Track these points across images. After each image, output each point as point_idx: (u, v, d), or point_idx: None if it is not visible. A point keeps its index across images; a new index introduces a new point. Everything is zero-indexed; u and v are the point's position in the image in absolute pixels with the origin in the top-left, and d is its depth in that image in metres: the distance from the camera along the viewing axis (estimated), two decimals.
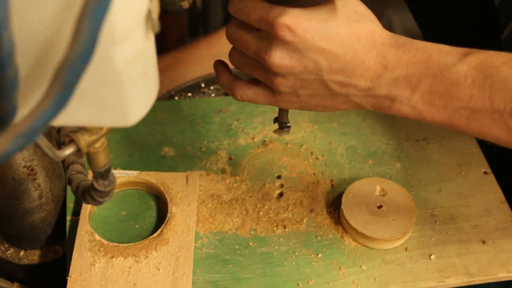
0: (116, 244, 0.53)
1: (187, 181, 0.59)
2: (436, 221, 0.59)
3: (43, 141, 0.32)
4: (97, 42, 0.25)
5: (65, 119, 0.29)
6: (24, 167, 0.52)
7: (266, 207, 0.59)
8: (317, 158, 0.64)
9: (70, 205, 0.57)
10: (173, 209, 0.56)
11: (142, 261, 0.52)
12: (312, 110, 0.45)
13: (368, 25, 0.41)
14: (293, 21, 0.40)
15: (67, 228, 0.56)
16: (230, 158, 0.63)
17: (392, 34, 0.43)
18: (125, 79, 0.29)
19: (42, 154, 0.53)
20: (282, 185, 0.61)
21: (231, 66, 0.47)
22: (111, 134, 0.36)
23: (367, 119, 0.69)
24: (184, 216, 0.56)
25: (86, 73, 0.25)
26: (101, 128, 0.35)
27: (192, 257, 0.53)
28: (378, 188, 0.59)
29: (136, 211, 0.58)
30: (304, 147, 0.65)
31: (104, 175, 0.40)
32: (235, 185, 0.61)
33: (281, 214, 0.58)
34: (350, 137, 0.67)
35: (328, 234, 0.57)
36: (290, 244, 0.56)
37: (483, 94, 0.39)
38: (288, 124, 0.51)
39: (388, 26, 1.05)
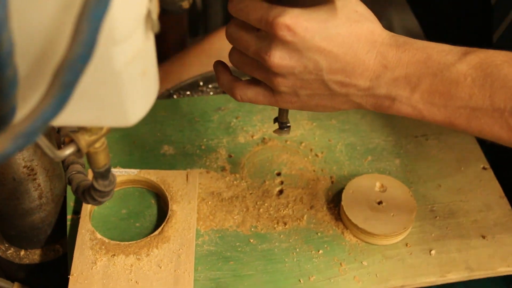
0: (117, 242, 0.53)
1: (187, 179, 0.59)
2: (436, 217, 0.59)
3: (43, 141, 0.32)
4: (97, 42, 0.25)
5: (65, 119, 0.29)
6: (24, 167, 0.52)
7: (266, 204, 0.59)
8: (316, 155, 0.64)
9: (70, 204, 0.57)
10: (173, 207, 0.56)
11: (143, 259, 0.52)
12: (312, 110, 0.45)
13: (368, 25, 0.41)
14: (293, 21, 0.40)
15: (68, 227, 0.56)
16: (230, 156, 0.64)
17: (392, 34, 0.43)
18: (125, 79, 0.29)
19: (42, 154, 0.53)
20: (282, 182, 0.61)
21: (231, 66, 0.47)
22: (110, 133, 0.36)
23: (366, 116, 0.69)
24: (185, 213, 0.56)
25: (85, 73, 0.25)
26: (101, 128, 0.35)
27: (193, 254, 0.53)
28: (378, 184, 0.59)
29: (137, 209, 0.58)
30: (303, 144, 0.65)
31: (104, 175, 0.40)
32: (235, 182, 0.61)
33: (282, 211, 0.59)
34: (349, 134, 0.67)
35: (328, 230, 0.57)
36: (291, 240, 0.56)
37: (483, 93, 0.39)
38: (288, 124, 0.51)
39: (388, 26, 1.05)
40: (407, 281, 0.54)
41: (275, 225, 0.57)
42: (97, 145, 0.36)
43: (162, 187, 0.58)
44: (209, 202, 0.59)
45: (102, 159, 0.38)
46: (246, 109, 0.68)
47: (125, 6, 0.27)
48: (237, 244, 0.56)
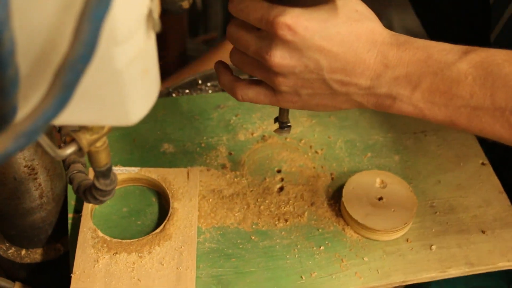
0: (119, 240, 0.53)
1: (188, 177, 0.59)
2: (436, 212, 0.59)
3: (44, 140, 0.32)
4: (98, 42, 0.25)
5: (66, 118, 0.29)
6: (25, 166, 0.52)
7: (267, 201, 0.59)
8: (316, 152, 0.64)
9: (71, 202, 0.57)
10: (175, 204, 0.56)
11: (145, 256, 0.52)
12: (313, 110, 0.45)
13: (368, 24, 0.41)
14: (294, 20, 0.40)
15: (69, 225, 0.56)
16: (230, 154, 0.64)
17: (393, 33, 0.43)
18: (126, 79, 0.29)
19: (43, 154, 0.53)
20: (282, 179, 0.62)
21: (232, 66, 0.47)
22: (110, 132, 0.36)
23: (365, 113, 0.69)
24: (186, 211, 0.56)
25: (87, 72, 0.25)
26: (102, 127, 0.35)
27: (195, 251, 0.53)
28: (378, 180, 0.59)
29: (138, 207, 0.58)
30: (303, 141, 0.66)
31: (105, 174, 0.40)
32: (235, 180, 0.61)
33: (282, 208, 0.59)
34: (349, 131, 0.67)
35: (329, 226, 0.57)
36: (292, 237, 0.56)
37: (484, 92, 0.39)
38: (289, 124, 0.51)
39: (388, 25, 1.05)
40: (408, 277, 0.54)
41: (276, 222, 0.57)
42: (98, 144, 0.36)
43: (163, 185, 0.58)
44: (210, 200, 0.59)
45: (103, 158, 0.38)
46: (246, 107, 0.68)
47: (126, 5, 0.27)
48: (239, 241, 0.56)
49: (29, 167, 0.52)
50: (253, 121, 0.67)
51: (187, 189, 0.58)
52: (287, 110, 0.50)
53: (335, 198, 0.60)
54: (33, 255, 0.60)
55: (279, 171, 0.62)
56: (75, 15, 0.25)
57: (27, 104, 0.29)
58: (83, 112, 0.30)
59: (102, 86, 0.29)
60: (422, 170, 0.63)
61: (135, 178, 0.59)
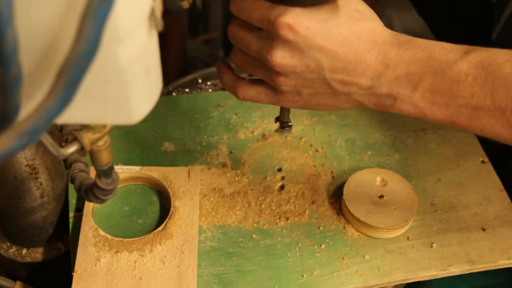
0: (121, 239, 0.53)
1: (189, 176, 0.59)
2: (436, 210, 0.59)
3: (46, 139, 0.32)
4: (101, 40, 0.25)
5: (69, 116, 0.29)
6: (26, 165, 0.52)
7: (268, 199, 0.59)
8: (316, 151, 0.65)
9: (72, 201, 0.57)
10: (176, 203, 0.56)
11: (147, 255, 0.52)
12: (314, 109, 0.45)
13: (369, 23, 0.42)
14: (295, 20, 0.40)
15: (70, 224, 0.56)
16: (231, 152, 0.64)
17: (394, 32, 0.43)
18: (128, 77, 0.29)
19: (44, 153, 0.53)
20: (283, 178, 0.62)
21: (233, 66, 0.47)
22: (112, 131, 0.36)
23: (365, 111, 0.69)
24: (187, 210, 0.56)
25: (89, 71, 0.26)
26: (104, 126, 0.35)
27: (196, 250, 0.53)
28: (378, 178, 0.59)
29: (139, 206, 0.58)
30: (303, 139, 0.66)
31: (107, 173, 0.40)
32: (236, 178, 0.61)
33: (283, 206, 0.59)
34: (349, 129, 0.67)
35: (330, 225, 0.57)
36: (293, 235, 0.56)
37: (484, 92, 0.39)
38: (290, 124, 0.51)
39: (389, 25, 1.05)
40: (409, 275, 0.54)
41: (277, 220, 0.57)
42: (100, 143, 0.36)
43: (164, 183, 0.58)
44: (211, 198, 0.59)
45: (105, 157, 0.38)
46: (246, 106, 0.69)
47: (129, 4, 0.27)
48: (240, 239, 0.56)
49: (30, 166, 0.52)
50: (253, 119, 0.67)
51: (188, 187, 0.58)
52: (288, 110, 0.50)
53: (336, 196, 0.60)
54: (34, 254, 0.60)
55: (279, 170, 0.63)
56: (78, 13, 0.25)
57: (30, 103, 0.29)
58: (85, 111, 0.30)
59: (104, 84, 0.29)
60: (422, 168, 0.63)
61: (136, 177, 0.60)
